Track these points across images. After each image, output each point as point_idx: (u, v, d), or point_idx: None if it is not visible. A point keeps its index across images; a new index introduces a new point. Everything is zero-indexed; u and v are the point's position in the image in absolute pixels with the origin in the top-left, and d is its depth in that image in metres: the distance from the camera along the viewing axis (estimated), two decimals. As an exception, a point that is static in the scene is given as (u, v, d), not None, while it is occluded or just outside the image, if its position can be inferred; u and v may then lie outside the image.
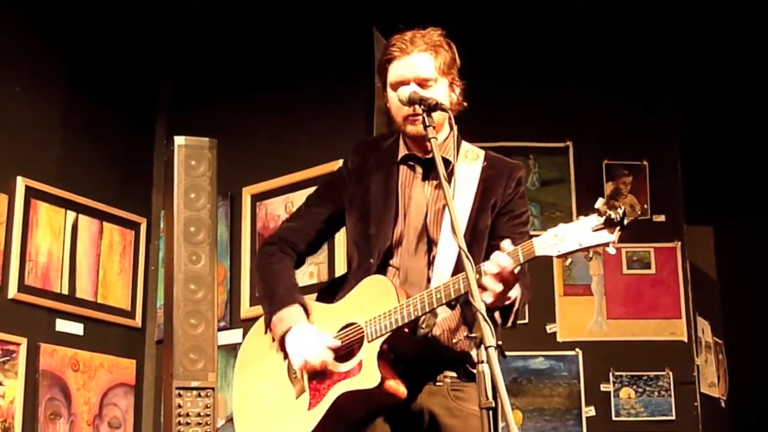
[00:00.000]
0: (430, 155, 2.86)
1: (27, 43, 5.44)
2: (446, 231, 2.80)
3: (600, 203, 2.46)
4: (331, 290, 3.01)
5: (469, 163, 2.89)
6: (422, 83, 2.81)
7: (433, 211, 2.86)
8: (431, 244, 2.83)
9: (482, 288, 2.53)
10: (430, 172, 2.90)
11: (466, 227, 2.79)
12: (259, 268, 3.06)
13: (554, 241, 2.51)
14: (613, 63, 5.70)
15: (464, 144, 2.94)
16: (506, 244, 2.57)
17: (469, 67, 5.59)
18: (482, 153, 2.94)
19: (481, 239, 2.83)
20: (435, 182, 2.89)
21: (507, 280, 2.55)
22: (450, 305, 2.74)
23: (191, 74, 6.12)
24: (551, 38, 5.68)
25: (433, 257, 2.81)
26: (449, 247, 2.77)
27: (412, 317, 2.66)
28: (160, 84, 6.19)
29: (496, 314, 2.68)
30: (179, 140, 4.76)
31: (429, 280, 2.79)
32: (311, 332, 2.82)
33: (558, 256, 2.52)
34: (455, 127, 2.77)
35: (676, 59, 5.79)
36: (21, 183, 5.21)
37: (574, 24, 5.67)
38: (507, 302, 2.63)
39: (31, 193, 5.25)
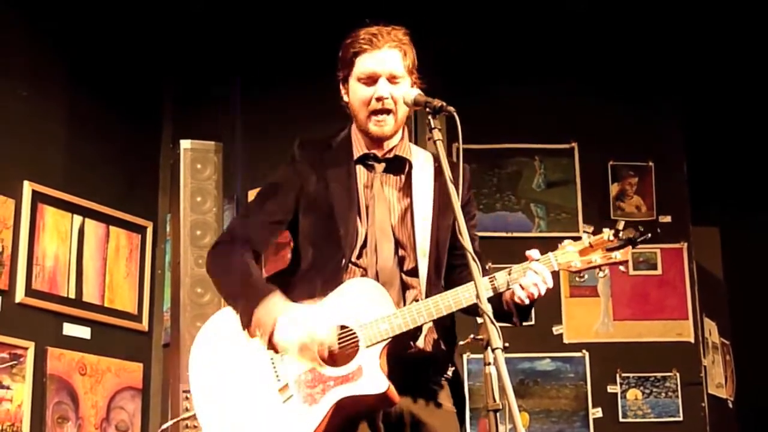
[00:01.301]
0: (392, 155, 2.88)
1: (32, 49, 5.45)
2: (420, 229, 2.80)
3: (620, 224, 2.62)
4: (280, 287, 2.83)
5: (422, 164, 2.89)
6: (391, 79, 2.81)
7: (398, 210, 2.85)
8: (398, 244, 2.82)
9: (522, 288, 2.64)
10: (390, 171, 2.89)
11: (431, 227, 2.81)
12: (220, 263, 2.88)
13: (571, 257, 2.66)
14: (617, 64, 5.71)
15: (413, 146, 2.93)
16: (534, 253, 2.67)
17: (475, 69, 5.61)
18: (430, 154, 2.92)
19: (445, 239, 2.84)
20: (397, 181, 2.88)
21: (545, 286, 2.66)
22: None
23: (196, 78, 6.13)
24: (556, 40, 5.68)
25: (401, 257, 2.81)
26: (423, 245, 2.79)
27: (418, 324, 2.65)
28: (166, 88, 6.20)
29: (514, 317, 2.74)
30: (185, 144, 4.78)
31: (401, 280, 2.79)
32: (305, 311, 2.68)
33: (574, 272, 2.67)
34: (457, 127, 2.74)
35: (681, 60, 5.79)
36: (28, 187, 5.21)
37: (578, 25, 5.67)
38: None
39: (37, 198, 5.26)
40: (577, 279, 2.69)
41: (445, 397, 2.83)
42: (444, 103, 2.69)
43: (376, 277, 2.77)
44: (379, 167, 2.89)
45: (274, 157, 5.71)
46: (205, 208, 4.73)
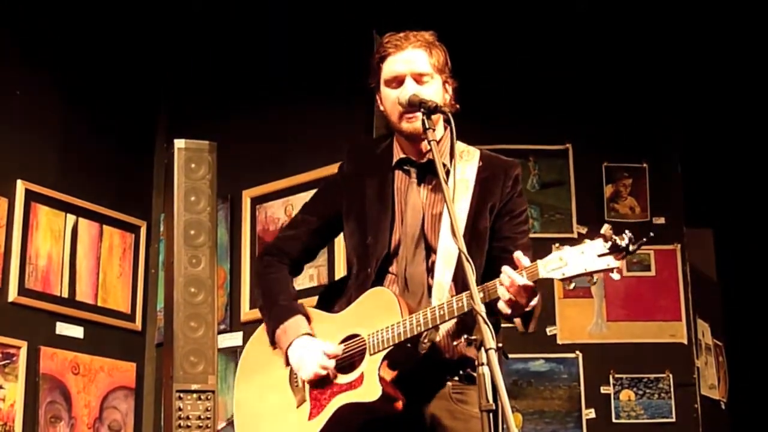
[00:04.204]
0: (425, 159, 2.87)
1: (27, 47, 5.45)
2: (445, 236, 2.78)
3: (605, 229, 2.45)
4: (330, 295, 3.01)
5: (465, 165, 2.86)
6: (418, 78, 2.81)
7: (430, 216, 2.84)
8: (429, 250, 2.81)
9: (503, 300, 2.57)
10: (425, 176, 2.88)
11: (465, 230, 2.77)
12: (258, 278, 3.09)
13: (559, 264, 2.52)
14: (612, 65, 5.71)
15: (459, 144, 2.90)
16: (508, 268, 2.58)
17: (470, 69, 5.60)
18: (477, 153, 2.91)
19: (481, 242, 2.81)
20: (431, 186, 2.87)
21: (525, 294, 2.57)
22: None
23: (191, 77, 6.12)
24: (551, 40, 5.68)
25: (432, 263, 2.80)
26: (448, 252, 2.76)
27: (415, 333, 2.66)
28: (160, 87, 6.19)
29: (517, 321, 2.69)
30: (179, 143, 4.76)
31: (429, 287, 2.79)
32: (313, 343, 2.83)
33: (562, 280, 2.53)
34: (452, 128, 2.76)
35: (676, 61, 5.79)
36: (21, 186, 5.21)
37: (573, 26, 5.68)
38: (527, 309, 2.63)
39: (31, 197, 5.26)
40: (565, 286, 2.61)
41: (474, 401, 2.74)
42: (439, 104, 2.70)
43: (405, 284, 2.80)
44: (414, 172, 2.89)
45: (268, 158, 5.75)
46: (199, 207, 4.71)
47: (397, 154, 2.92)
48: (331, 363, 2.79)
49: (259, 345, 3.03)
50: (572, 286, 2.56)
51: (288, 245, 3.06)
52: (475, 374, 2.76)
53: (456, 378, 2.82)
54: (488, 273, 2.74)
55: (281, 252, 3.05)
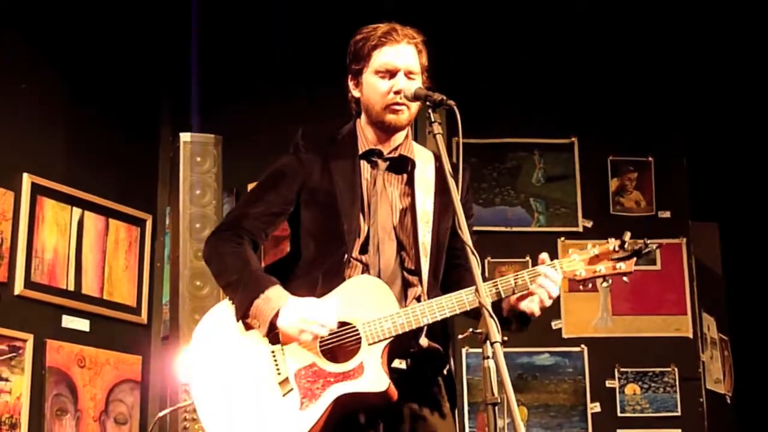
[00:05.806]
0: (397, 154, 2.88)
1: (32, 41, 5.45)
2: (422, 229, 2.80)
3: (625, 235, 2.63)
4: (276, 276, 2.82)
5: (425, 164, 2.88)
6: (408, 74, 2.81)
7: (399, 210, 2.84)
8: (400, 243, 2.82)
9: (530, 299, 2.69)
10: (393, 169, 2.88)
11: (432, 227, 2.81)
12: (218, 253, 2.84)
13: (576, 266, 2.67)
14: (618, 59, 5.70)
15: (415, 144, 2.92)
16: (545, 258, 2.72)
17: (475, 64, 5.61)
18: (431, 153, 2.91)
19: (444, 241, 2.85)
20: (399, 180, 2.87)
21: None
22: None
23: (196, 71, 6.11)
24: (556, 35, 5.68)
25: (403, 257, 2.81)
26: (424, 246, 2.79)
27: (421, 324, 2.66)
28: (166, 81, 6.19)
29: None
30: (185, 137, 4.77)
31: (403, 279, 2.80)
32: (306, 304, 2.68)
33: (578, 281, 2.67)
34: (457, 122, 2.73)
35: (682, 55, 5.78)
36: (27, 180, 5.21)
37: (579, 21, 5.67)
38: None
39: (37, 190, 5.26)
40: (581, 288, 2.70)
41: (442, 395, 2.85)
42: (444, 97, 2.69)
43: (379, 275, 2.78)
44: (383, 165, 2.88)
45: (273, 151, 5.74)
46: (205, 200, 4.72)
47: (364, 144, 2.89)
48: (332, 323, 2.66)
49: (219, 325, 2.79)
50: (588, 287, 2.68)
51: (247, 223, 2.87)
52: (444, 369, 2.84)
53: (427, 371, 2.83)
54: (446, 271, 2.83)
55: (240, 229, 2.86)
